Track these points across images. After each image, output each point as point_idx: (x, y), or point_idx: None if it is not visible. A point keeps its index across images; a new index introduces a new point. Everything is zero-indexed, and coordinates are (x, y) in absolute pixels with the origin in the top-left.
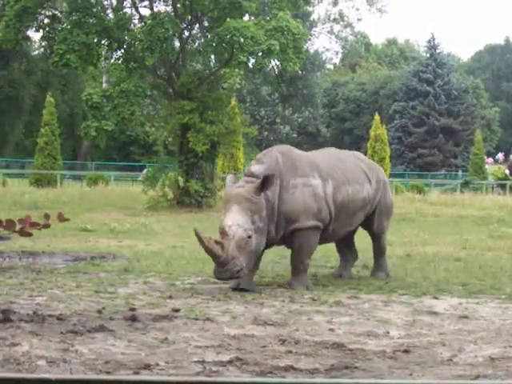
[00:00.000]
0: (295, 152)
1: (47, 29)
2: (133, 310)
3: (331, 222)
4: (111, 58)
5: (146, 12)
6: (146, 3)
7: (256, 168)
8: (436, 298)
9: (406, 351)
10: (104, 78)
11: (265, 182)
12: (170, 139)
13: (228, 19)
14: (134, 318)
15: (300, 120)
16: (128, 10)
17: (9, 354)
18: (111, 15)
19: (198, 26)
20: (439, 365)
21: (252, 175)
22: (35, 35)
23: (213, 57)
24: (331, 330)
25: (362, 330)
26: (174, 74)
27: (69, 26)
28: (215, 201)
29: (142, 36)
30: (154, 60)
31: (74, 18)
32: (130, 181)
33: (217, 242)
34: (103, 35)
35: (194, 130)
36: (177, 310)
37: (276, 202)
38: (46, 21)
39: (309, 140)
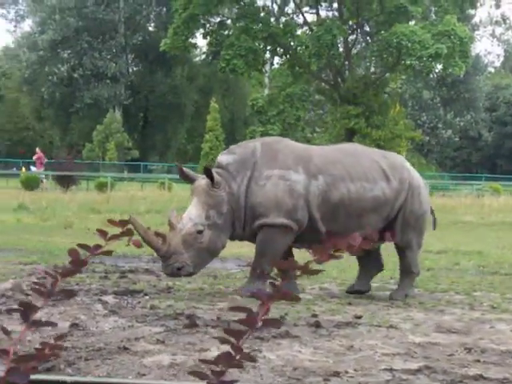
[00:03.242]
0: (283, 143)
1: (214, 35)
2: (315, 316)
3: (317, 222)
4: (274, 63)
5: (310, 18)
6: (308, 9)
7: (224, 158)
8: None
9: None
10: (267, 84)
11: (207, 176)
12: (337, 143)
13: (396, 24)
14: (317, 325)
15: (462, 124)
16: (293, 16)
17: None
18: (276, 21)
19: (362, 30)
20: None
21: (219, 166)
22: (198, 41)
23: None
24: None
25: None
26: (339, 78)
27: (236, 32)
28: None
29: (309, 42)
30: (320, 65)
31: (240, 24)
32: None
33: (157, 235)
34: (269, 41)
35: (359, 135)
36: (359, 317)
37: (243, 196)
38: (213, 27)
39: (469, 144)
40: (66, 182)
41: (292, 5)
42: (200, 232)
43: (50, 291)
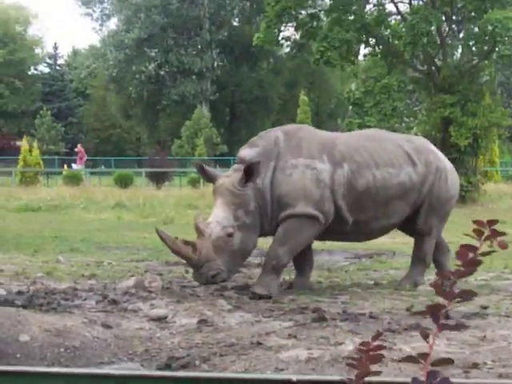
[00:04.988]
0: (306, 131)
1: (306, 27)
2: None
3: (342, 211)
4: (361, 54)
5: (403, 7)
6: None
7: (246, 153)
8: None
9: None
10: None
11: (248, 173)
12: (432, 133)
13: (490, 11)
14: (446, 316)
15: None
16: (387, 7)
17: (335, 353)
18: (370, 12)
19: (455, 18)
20: None
21: (241, 162)
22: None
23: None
24: None
25: None
26: (434, 67)
27: (329, 24)
28: (479, 195)
29: (404, 31)
30: (415, 55)
31: (333, 15)
32: None
33: (186, 243)
34: (362, 32)
35: (456, 124)
36: (485, 308)
37: (268, 189)
38: (305, 19)
39: None
40: (159, 178)
41: None
42: (230, 235)
43: (451, 292)
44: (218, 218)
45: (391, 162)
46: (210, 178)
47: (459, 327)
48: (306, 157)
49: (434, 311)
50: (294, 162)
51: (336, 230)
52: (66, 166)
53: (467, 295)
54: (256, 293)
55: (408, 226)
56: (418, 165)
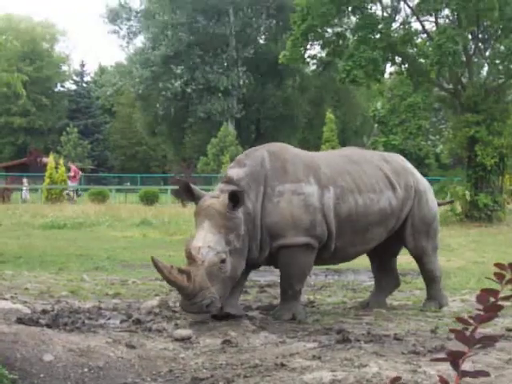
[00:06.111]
0: (290, 152)
1: (332, 46)
2: (466, 329)
3: (331, 238)
4: (386, 72)
5: (428, 25)
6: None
7: (235, 172)
8: None
9: None
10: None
11: (232, 200)
12: (458, 152)
13: None
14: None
15: None
16: (412, 25)
17: (359, 376)
18: (396, 30)
19: (481, 37)
20: None
21: (229, 181)
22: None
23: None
24: None
25: None
26: (459, 86)
27: (355, 43)
28: (505, 214)
29: (430, 50)
30: (442, 74)
31: (360, 34)
32: None
33: (181, 271)
34: (388, 50)
35: (481, 143)
36: (510, 330)
37: (259, 215)
38: (331, 38)
39: None
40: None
41: (403, 13)
42: (224, 261)
43: (472, 338)
44: (209, 242)
45: (372, 187)
46: (195, 198)
47: (481, 374)
48: (292, 181)
49: (454, 358)
50: (281, 188)
51: (319, 256)
52: None
53: (488, 341)
54: (282, 319)
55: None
56: (398, 189)
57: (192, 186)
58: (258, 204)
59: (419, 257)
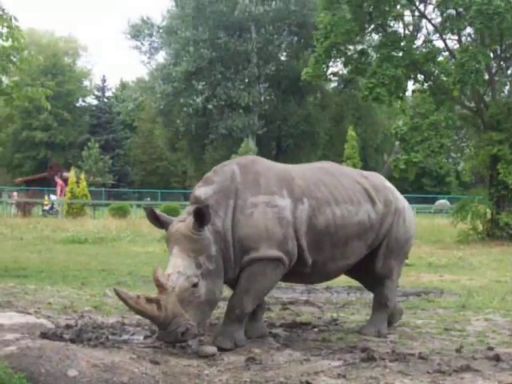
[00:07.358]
0: (262, 164)
1: (355, 63)
2: (491, 349)
3: (304, 251)
4: (408, 90)
5: (451, 43)
6: (450, 35)
7: (202, 191)
8: None
9: None
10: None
11: (198, 217)
12: (480, 170)
13: None
14: (497, 358)
15: None
16: (435, 43)
17: None
18: (419, 48)
19: (503, 56)
20: None
21: (197, 201)
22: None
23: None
24: None
25: None
26: (482, 104)
27: (378, 60)
28: None
29: (453, 69)
30: (464, 92)
31: (382, 52)
32: (423, 213)
33: (149, 300)
34: (411, 68)
35: (504, 162)
36: None
37: (229, 230)
38: (354, 55)
39: None
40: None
41: (424, 31)
42: (195, 285)
43: None
44: (178, 268)
45: (350, 198)
46: (162, 224)
47: None
48: (265, 193)
49: None
50: (254, 200)
51: (294, 271)
52: (46, 197)
53: None
54: (221, 346)
55: (363, 270)
56: (378, 203)
57: (158, 212)
58: (228, 219)
59: (382, 278)
